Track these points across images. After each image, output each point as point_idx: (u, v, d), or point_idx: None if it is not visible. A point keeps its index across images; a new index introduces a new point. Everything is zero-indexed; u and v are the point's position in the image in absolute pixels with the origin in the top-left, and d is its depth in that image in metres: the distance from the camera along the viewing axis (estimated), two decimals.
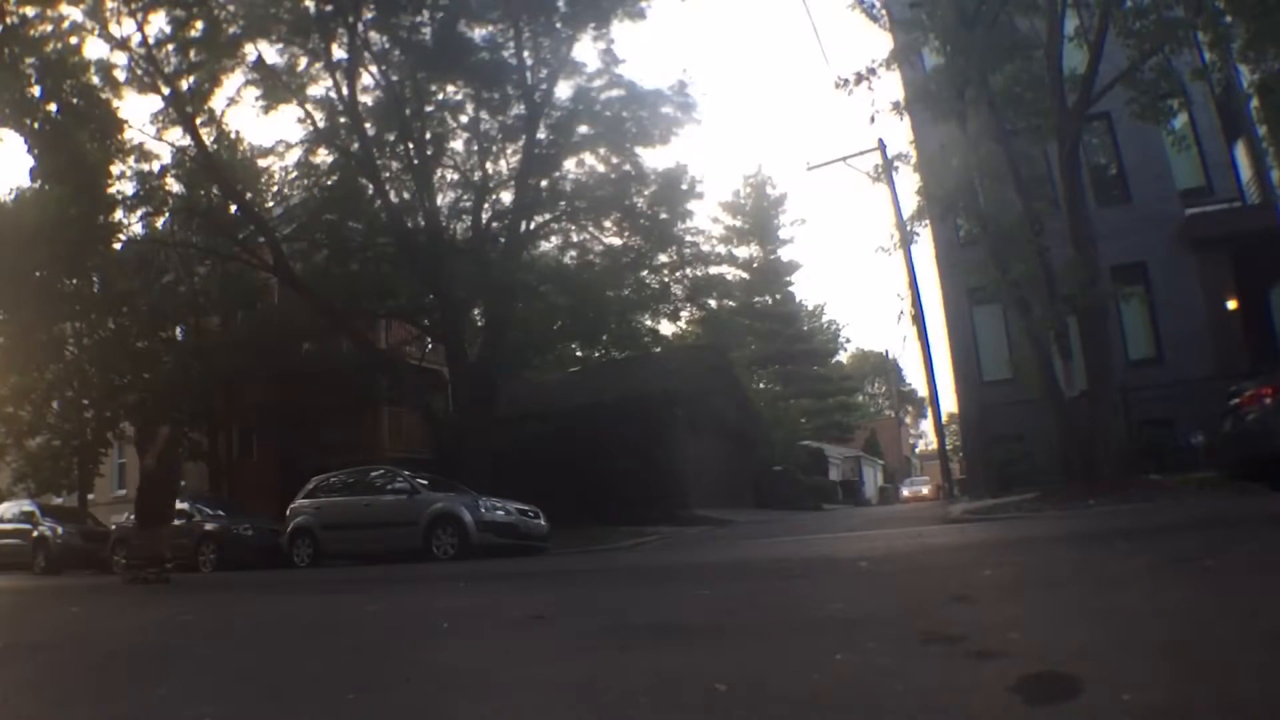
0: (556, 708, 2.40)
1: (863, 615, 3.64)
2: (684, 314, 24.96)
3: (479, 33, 20.44)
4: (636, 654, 3.14)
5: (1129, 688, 2.00)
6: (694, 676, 2.57)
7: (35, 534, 19.59)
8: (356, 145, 20.70)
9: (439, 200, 21.81)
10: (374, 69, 20.64)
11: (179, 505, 18.26)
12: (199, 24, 19.16)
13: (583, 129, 21.26)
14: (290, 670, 3.44)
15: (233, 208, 21.99)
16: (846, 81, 14.03)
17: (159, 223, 22.95)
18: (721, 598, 4.91)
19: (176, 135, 20.80)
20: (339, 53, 20.27)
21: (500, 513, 14.06)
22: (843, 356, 65.93)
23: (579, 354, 24.97)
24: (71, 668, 3.88)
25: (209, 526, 17.07)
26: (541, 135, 20.85)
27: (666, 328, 25.64)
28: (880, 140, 21.07)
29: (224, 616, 6.47)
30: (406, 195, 21.62)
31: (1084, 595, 3.68)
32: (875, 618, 3.52)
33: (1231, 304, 17.99)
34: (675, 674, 2.68)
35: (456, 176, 22.57)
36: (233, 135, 23.17)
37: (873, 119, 14.74)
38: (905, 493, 49.27)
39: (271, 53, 20.50)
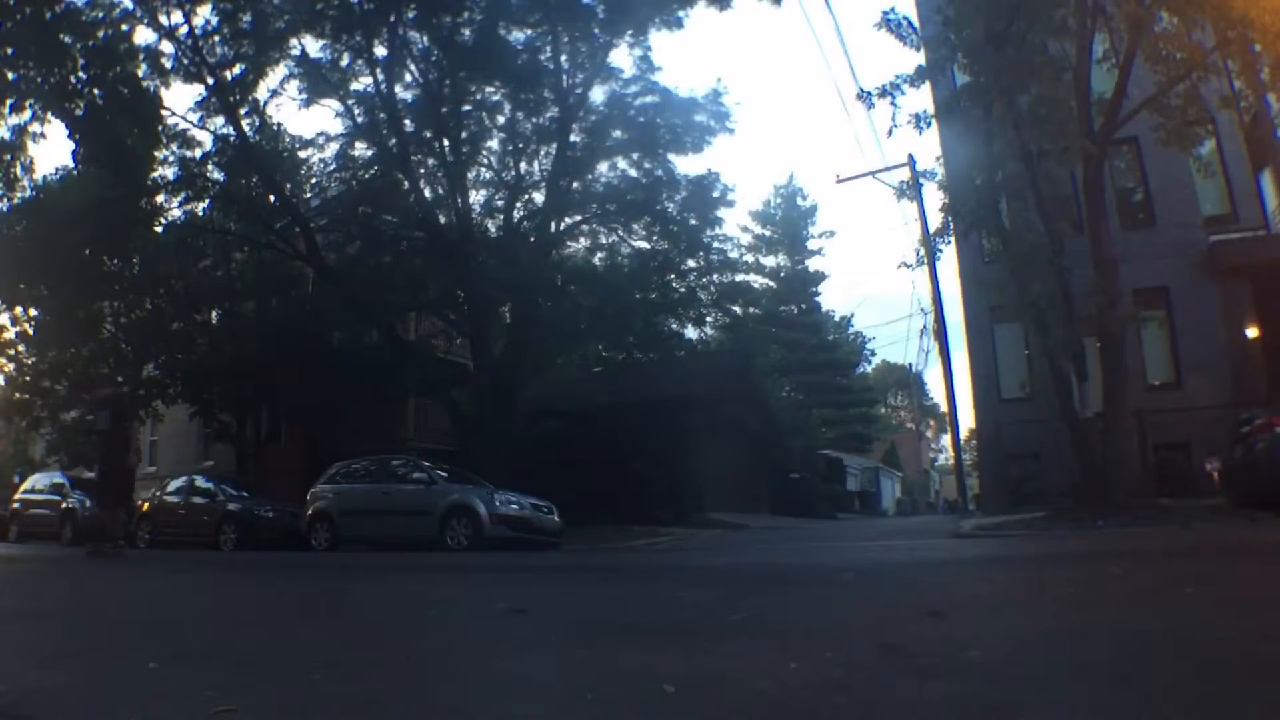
0: (508, 696, 2.52)
1: (832, 625, 3.72)
2: (709, 319, 25.07)
3: (517, 35, 20.76)
4: (598, 651, 3.26)
5: (1071, 714, 2.05)
6: (647, 676, 2.65)
7: (64, 505, 20.11)
8: (394, 141, 21.02)
9: (471, 198, 22.11)
10: (414, 67, 20.98)
11: (177, 496, 18.67)
12: (247, 17, 19.59)
13: (616, 133, 21.45)
14: (265, 647, 3.60)
15: (271, 197, 22.40)
16: (869, 95, 14.11)
17: (199, 208, 23.39)
18: (702, 600, 5.00)
19: (219, 124, 21.25)
20: (380, 50, 20.63)
21: (514, 506, 14.21)
22: (866, 368, 65.63)
23: (603, 354, 25.11)
24: (68, 631, 4.09)
25: (231, 507, 17.41)
26: (575, 138, 21.09)
27: (691, 332, 25.73)
28: (910, 156, 21.27)
29: (226, 595, 6.69)
30: (440, 191, 21.92)
31: (1059, 616, 3.70)
32: (843, 628, 3.60)
33: (1252, 332, 17.90)
34: (629, 672, 2.77)
35: (490, 175, 22.92)
36: (274, 126, 23.60)
37: (890, 132, 14.69)
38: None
39: (315, 47, 20.90)
